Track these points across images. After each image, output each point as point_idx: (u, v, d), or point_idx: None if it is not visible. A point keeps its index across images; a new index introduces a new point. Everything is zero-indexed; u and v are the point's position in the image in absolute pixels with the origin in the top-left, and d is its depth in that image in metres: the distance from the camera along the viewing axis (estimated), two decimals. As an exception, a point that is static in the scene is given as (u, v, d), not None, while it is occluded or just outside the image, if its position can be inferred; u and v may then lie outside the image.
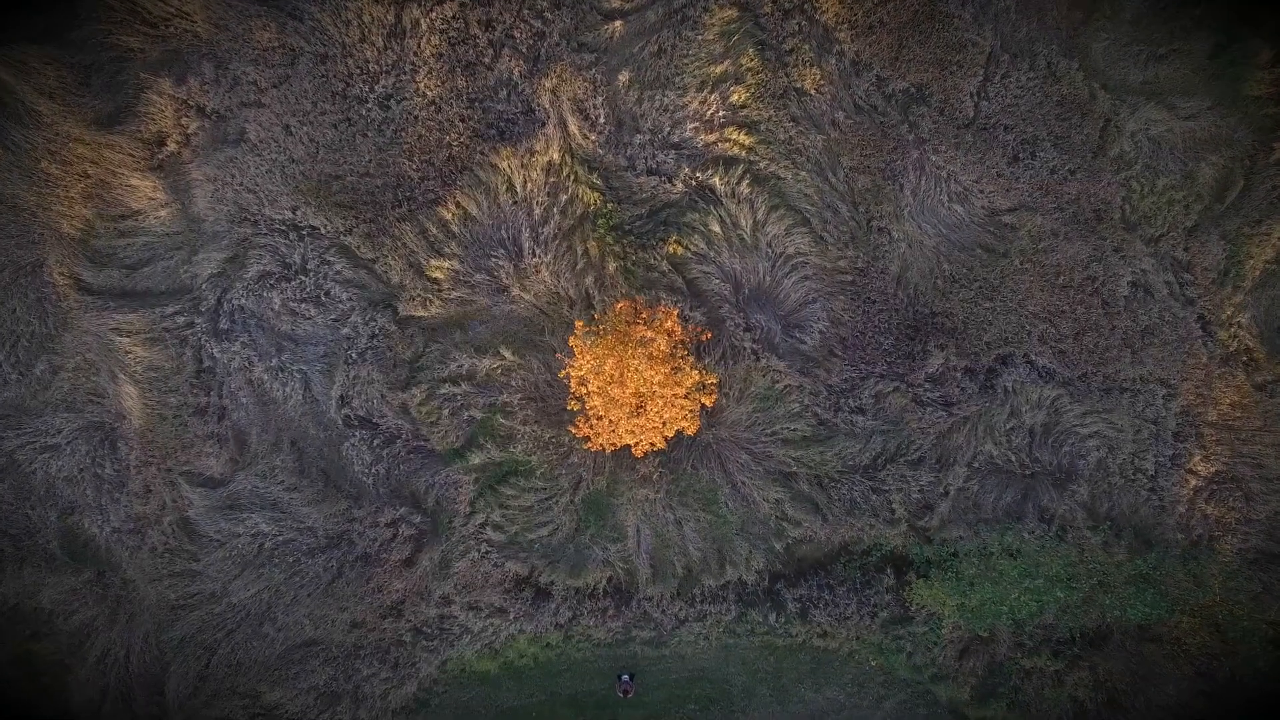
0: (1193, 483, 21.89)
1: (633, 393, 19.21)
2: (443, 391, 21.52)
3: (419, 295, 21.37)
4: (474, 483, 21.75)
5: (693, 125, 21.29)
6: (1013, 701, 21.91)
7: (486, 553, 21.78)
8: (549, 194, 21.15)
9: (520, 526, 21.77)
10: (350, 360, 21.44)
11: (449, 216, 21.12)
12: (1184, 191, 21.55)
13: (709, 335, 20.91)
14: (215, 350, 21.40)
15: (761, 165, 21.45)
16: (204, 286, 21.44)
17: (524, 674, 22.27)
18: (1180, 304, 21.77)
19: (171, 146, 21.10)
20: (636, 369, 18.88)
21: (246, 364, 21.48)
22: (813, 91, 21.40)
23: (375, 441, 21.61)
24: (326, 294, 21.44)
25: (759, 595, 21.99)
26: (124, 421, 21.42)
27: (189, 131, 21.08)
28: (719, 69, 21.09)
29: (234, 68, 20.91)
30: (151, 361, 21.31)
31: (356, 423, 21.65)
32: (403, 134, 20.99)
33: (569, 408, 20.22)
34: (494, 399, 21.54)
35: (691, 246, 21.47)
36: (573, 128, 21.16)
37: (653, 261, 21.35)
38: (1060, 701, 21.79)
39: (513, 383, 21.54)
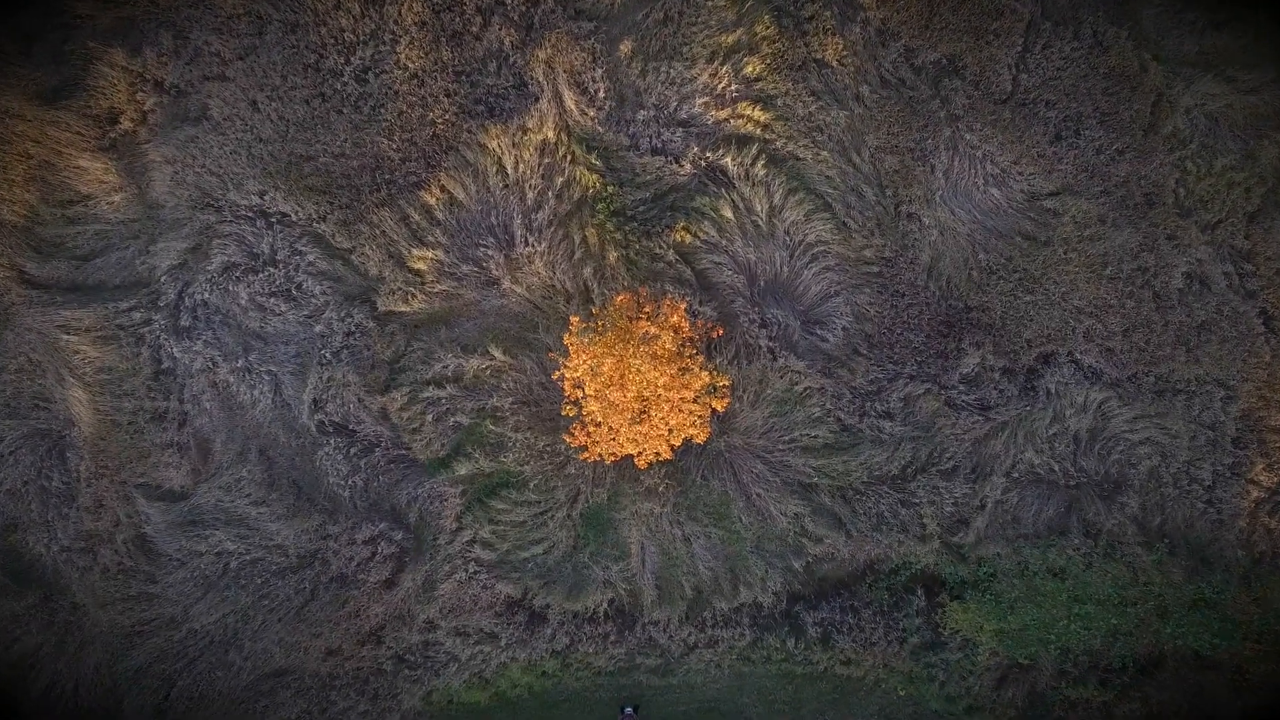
0: (1254, 494, 20.40)
1: (635, 396, 17.79)
2: (426, 395, 20.27)
3: (400, 289, 20.12)
4: (461, 496, 20.52)
5: (702, 100, 19.99)
6: (1056, 736, 20.48)
7: (475, 573, 20.52)
8: (543, 176, 19.93)
9: (512, 544, 20.54)
10: (324, 361, 20.18)
11: (433, 201, 19.90)
12: (1245, 173, 20.11)
13: (720, 332, 19.50)
14: (175, 350, 20.18)
15: (778, 144, 20.17)
16: (163, 279, 20.26)
17: (517, 705, 21.07)
18: (1240, 297, 20.32)
19: (125, 124, 19.92)
20: (639, 370, 17.43)
21: (210, 365, 20.26)
22: (835, 63, 20.08)
23: (352, 450, 20.37)
24: (298, 287, 20.24)
25: (776, 619, 20.80)
26: (73, 429, 20.13)
27: (145, 108, 19.90)
28: (731, 38, 19.81)
29: (195, 37, 19.70)
30: (104, 362, 20.04)
31: (331, 429, 20.41)
32: (382, 111, 19.79)
33: (564, 413, 18.83)
34: (483, 403, 20.29)
35: (701, 234, 20.20)
36: (569, 103, 19.86)
37: (658, 250, 20.09)
38: (1109, 736, 20.32)
39: (503, 385, 20.25)
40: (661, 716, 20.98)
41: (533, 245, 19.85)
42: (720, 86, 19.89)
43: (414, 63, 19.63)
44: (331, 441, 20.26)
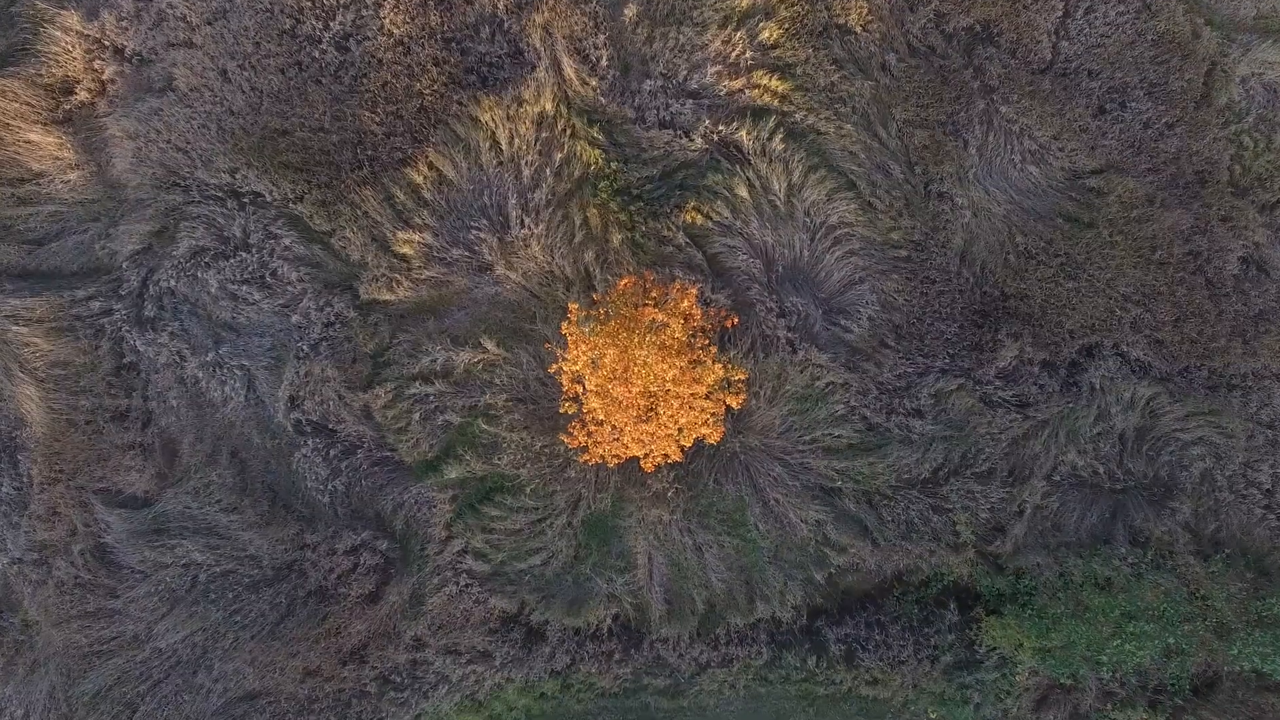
0: (1317, 499, 19.58)
1: (640, 392, 16.83)
2: (413, 391, 19.56)
3: (384, 275, 19.40)
4: (451, 501, 19.84)
5: (714, 69, 19.28)
6: (1101, 763, 19.73)
7: (467, 586, 19.85)
8: (540, 152, 19.19)
9: (507, 554, 19.89)
10: (302, 354, 19.44)
11: (420, 180, 19.29)
12: (1306, 148, 19.60)
13: (734, 321, 18.55)
14: (139, 342, 19.52)
15: (797, 117, 19.47)
16: (125, 266, 19.68)
17: (513, 729, 20.50)
18: (1301, 284, 19.71)
19: (82, 95, 19.32)
20: (645, 362, 16.42)
21: (177, 359, 19.62)
22: (859, 29, 19.43)
23: (332, 452, 19.66)
24: (273, 274, 19.55)
25: (795, 635, 20.18)
26: (24, 429, 19.40)
27: (104, 77, 19.30)
28: (746, 1, 19.19)
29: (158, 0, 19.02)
30: (58, 356, 19.32)
31: (309, 429, 19.72)
32: (364, 81, 19.19)
33: (563, 411, 17.97)
34: (474, 400, 19.54)
35: (713, 215, 19.43)
36: (569, 72, 19.08)
37: (666, 233, 19.30)
38: (1159, 763, 19.45)
39: (497, 380, 19.46)
40: (670, 742, 20.31)
41: (529, 227, 19.05)
42: (734, 54, 19.22)
43: (399, 28, 18.94)
44: (309, 442, 19.58)
